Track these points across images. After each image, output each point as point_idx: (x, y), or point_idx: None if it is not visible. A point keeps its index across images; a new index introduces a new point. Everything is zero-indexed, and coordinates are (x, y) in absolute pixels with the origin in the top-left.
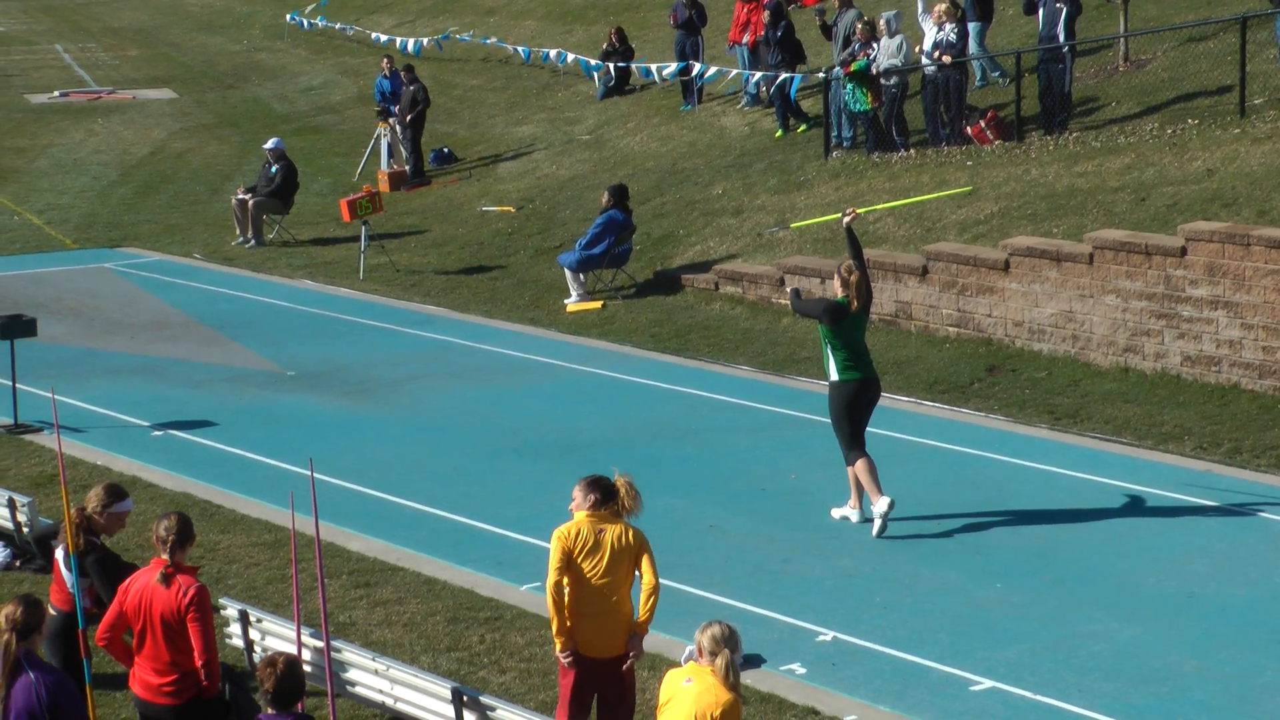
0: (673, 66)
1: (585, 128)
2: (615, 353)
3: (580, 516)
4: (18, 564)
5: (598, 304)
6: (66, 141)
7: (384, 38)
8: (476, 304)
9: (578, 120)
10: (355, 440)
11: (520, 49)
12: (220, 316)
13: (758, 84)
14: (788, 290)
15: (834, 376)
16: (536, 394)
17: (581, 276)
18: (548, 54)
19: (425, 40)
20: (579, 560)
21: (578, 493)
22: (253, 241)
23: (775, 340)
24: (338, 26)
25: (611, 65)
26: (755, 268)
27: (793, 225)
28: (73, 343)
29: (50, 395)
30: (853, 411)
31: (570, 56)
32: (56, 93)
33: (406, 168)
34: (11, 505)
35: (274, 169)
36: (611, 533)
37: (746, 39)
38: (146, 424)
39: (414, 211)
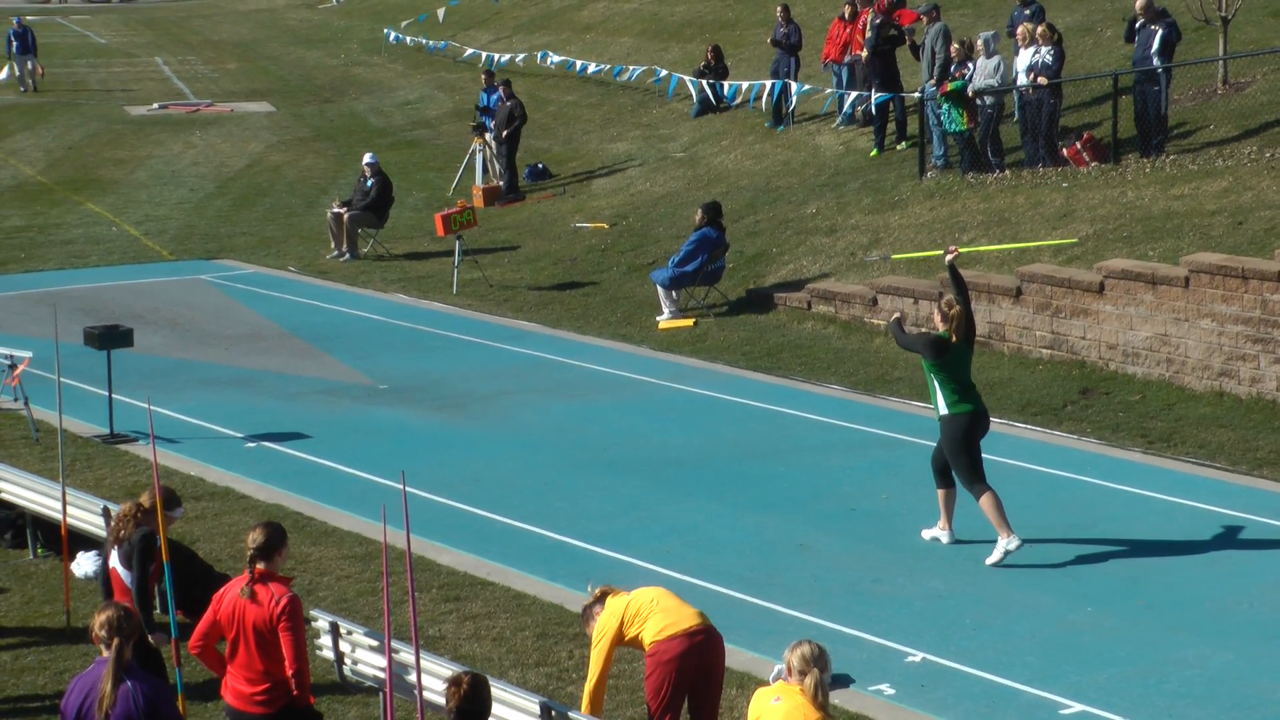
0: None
1: (679, 145)
2: (706, 370)
3: (613, 602)
4: None
5: (689, 321)
6: (165, 153)
7: (484, 54)
8: (569, 320)
9: (672, 137)
10: (446, 454)
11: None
12: (314, 329)
13: (854, 103)
14: (890, 320)
15: (944, 411)
16: (627, 410)
17: (674, 294)
18: (636, 72)
19: (520, 56)
20: (634, 618)
21: (594, 613)
22: (347, 255)
23: (867, 360)
24: (428, 44)
25: (705, 83)
26: (848, 287)
27: (894, 257)
28: (168, 354)
29: (146, 405)
30: (968, 444)
31: (663, 73)
32: (156, 105)
33: (501, 183)
34: (106, 514)
35: (369, 183)
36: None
37: (843, 57)
38: (240, 435)
39: (508, 227)
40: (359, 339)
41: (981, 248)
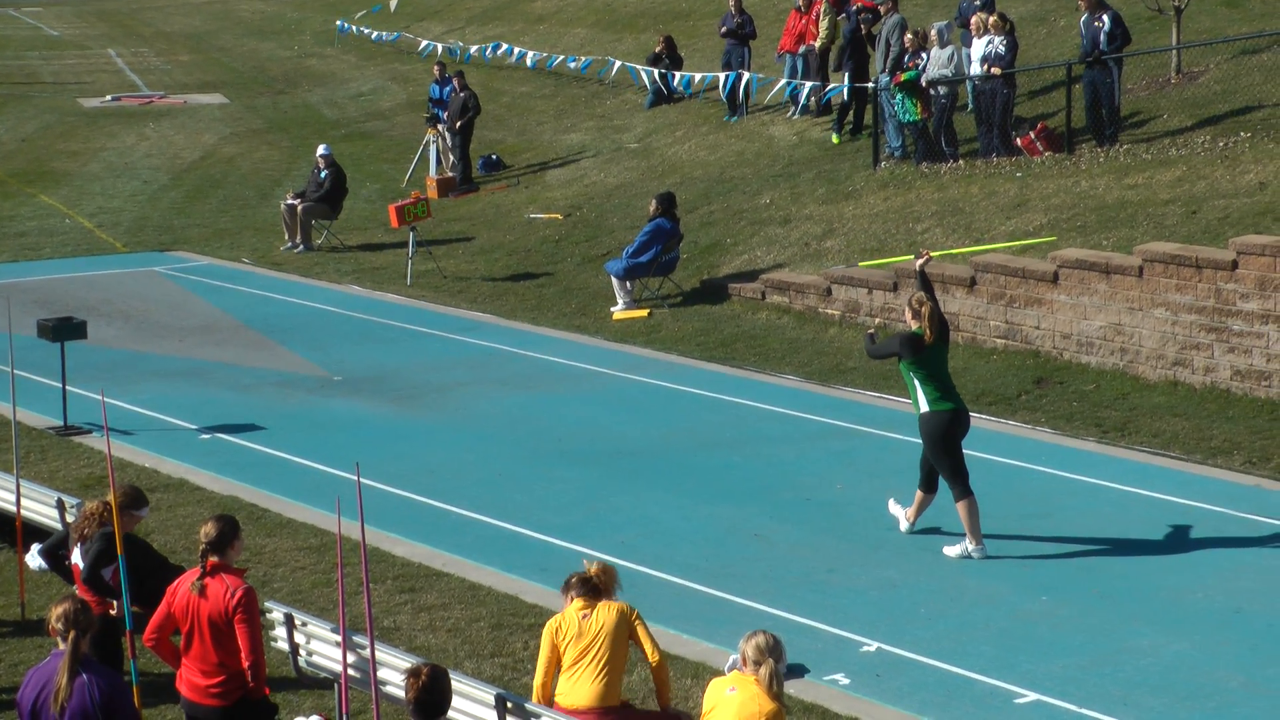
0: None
1: (633, 136)
2: (661, 361)
3: (570, 608)
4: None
5: (644, 312)
6: (118, 145)
7: (439, 45)
8: (523, 311)
9: (626, 128)
10: (401, 445)
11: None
12: (268, 321)
13: (809, 93)
14: (865, 337)
15: (925, 408)
16: (582, 401)
17: (628, 284)
18: (587, 62)
19: (473, 48)
20: (563, 650)
21: (569, 597)
22: (301, 246)
23: (821, 350)
24: (373, 36)
25: (657, 73)
26: (802, 277)
27: (861, 265)
28: (122, 345)
29: (100, 398)
30: (949, 443)
31: (616, 65)
32: (109, 97)
33: (455, 174)
34: (60, 506)
35: (323, 174)
36: (595, 615)
37: (798, 48)
38: (194, 427)
39: (462, 218)
40: (313, 330)
41: (955, 250)
